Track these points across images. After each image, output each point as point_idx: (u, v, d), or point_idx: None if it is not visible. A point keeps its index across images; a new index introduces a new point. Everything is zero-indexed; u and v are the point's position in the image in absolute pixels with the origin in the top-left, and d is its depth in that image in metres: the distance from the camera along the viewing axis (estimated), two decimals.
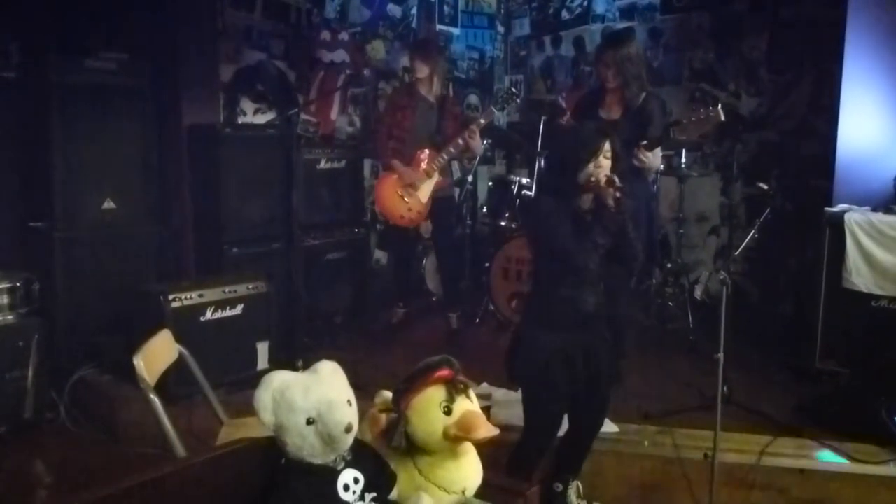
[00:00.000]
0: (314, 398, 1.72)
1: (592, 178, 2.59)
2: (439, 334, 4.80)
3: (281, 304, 4.05)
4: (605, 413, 2.97)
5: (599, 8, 6.29)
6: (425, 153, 4.58)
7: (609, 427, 3.22)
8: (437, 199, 4.66)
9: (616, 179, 2.58)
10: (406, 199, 4.59)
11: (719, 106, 3.45)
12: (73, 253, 3.98)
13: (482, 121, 4.51)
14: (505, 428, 2.23)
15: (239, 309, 3.86)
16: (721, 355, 2.78)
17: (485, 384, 3.63)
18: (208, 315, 3.75)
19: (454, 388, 1.90)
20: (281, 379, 1.76)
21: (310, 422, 1.71)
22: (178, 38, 4.44)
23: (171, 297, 3.61)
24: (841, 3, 4.22)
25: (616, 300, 3.88)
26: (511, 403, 3.29)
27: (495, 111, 4.70)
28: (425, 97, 4.68)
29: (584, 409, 2.84)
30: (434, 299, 5.52)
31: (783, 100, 5.29)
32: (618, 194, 2.56)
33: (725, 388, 3.26)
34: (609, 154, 2.63)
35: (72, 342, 3.95)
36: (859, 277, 3.78)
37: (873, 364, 3.54)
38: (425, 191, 4.59)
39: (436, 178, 4.60)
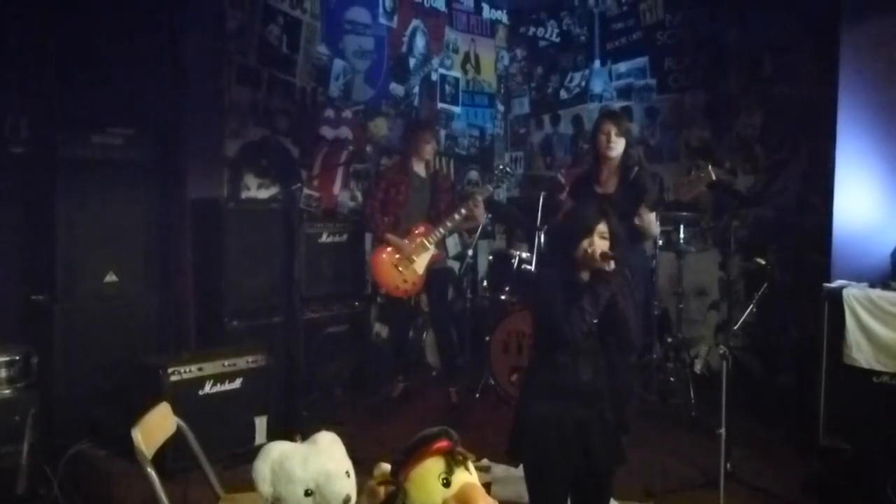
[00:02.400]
0: (313, 469, 1.71)
1: (589, 250, 2.62)
2: (439, 408, 4.76)
3: (280, 378, 4.03)
4: (607, 498, 2.77)
5: (597, 88, 6.47)
6: (423, 227, 4.65)
7: None
8: (433, 271, 4.72)
9: (610, 254, 2.60)
10: (402, 271, 4.63)
11: (710, 167, 3.56)
12: (73, 326, 3.98)
13: (479, 197, 4.63)
14: None
15: (238, 383, 3.84)
16: (723, 430, 2.77)
17: (485, 460, 3.58)
18: (207, 388, 3.73)
19: (453, 460, 1.87)
20: (280, 450, 1.76)
21: (308, 493, 1.69)
22: (184, 114, 4.55)
23: (170, 370, 3.61)
24: (832, 81, 4.34)
25: (616, 374, 3.88)
26: (512, 480, 3.23)
27: (491, 189, 4.82)
28: (418, 173, 4.80)
29: (585, 492, 2.69)
30: (434, 373, 5.49)
31: (778, 176, 5.37)
32: (612, 265, 2.58)
33: (728, 465, 3.22)
34: (606, 234, 2.65)
35: (69, 415, 3.90)
36: (860, 353, 3.77)
37: (878, 441, 3.50)
38: (421, 263, 4.66)
39: (433, 250, 4.67)
